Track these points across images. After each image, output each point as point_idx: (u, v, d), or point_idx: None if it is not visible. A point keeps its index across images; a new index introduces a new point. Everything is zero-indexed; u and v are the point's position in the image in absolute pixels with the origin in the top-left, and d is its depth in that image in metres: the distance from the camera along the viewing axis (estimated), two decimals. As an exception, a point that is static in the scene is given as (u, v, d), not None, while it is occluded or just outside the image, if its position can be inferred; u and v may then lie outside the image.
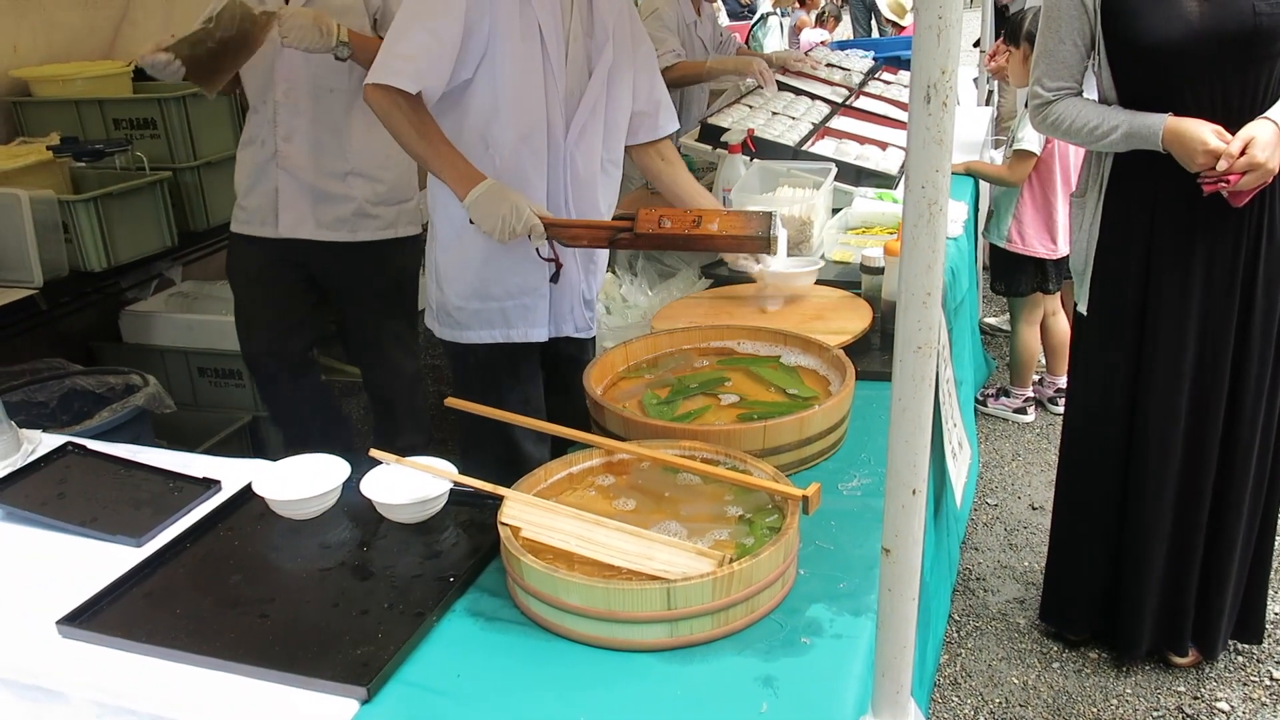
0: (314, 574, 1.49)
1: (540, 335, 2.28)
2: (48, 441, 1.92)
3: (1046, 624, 2.68)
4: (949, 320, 2.59)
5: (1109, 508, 2.49)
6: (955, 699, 2.47)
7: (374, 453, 1.62)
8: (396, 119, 1.98)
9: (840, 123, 3.57)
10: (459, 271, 2.23)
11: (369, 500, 1.58)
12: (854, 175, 3.14)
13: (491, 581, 1.46)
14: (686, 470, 1.57)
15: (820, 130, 3.42)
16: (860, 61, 4.73)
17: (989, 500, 3.29)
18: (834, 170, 2.93)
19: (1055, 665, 2.56)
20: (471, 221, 2.02)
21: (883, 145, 3.34)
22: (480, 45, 2.02)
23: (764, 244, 1.96)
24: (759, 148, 3.12)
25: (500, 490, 1.49)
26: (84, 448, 1.85)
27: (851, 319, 2.20)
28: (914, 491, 1.02)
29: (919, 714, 1.13)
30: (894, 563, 1.05)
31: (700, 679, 1.25)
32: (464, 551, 1.52)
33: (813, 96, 3.79)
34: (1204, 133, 2.13)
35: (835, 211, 2.97)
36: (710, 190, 3.25)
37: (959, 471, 2.30)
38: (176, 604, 1.44)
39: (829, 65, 4.46)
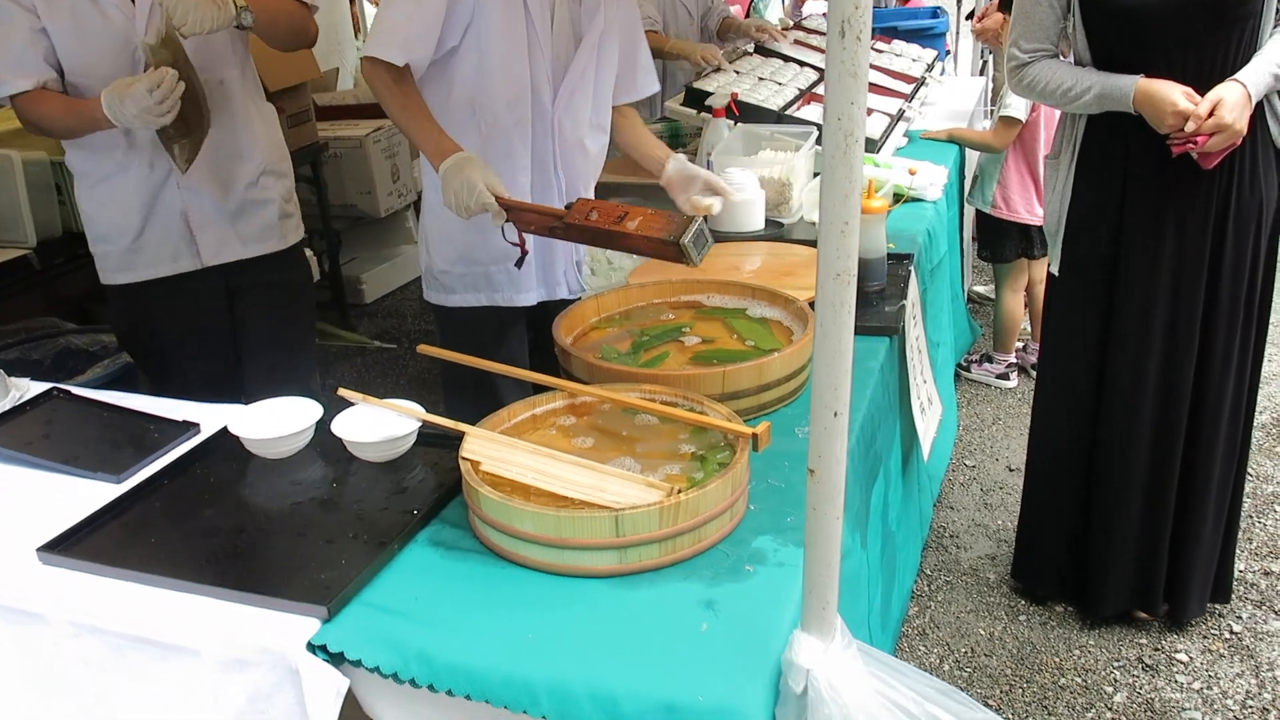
0: (284, 507, 1.55)
1: (528, 299, 2.32)
2: (35, 388, 1.98)
3: (1016, 581, 2.74)
4: (923, 281, 2.63)
5: (1079, 467, 2.54)
6: (922, 648, 2.53)
7: (343, 392, 1.68)
8: (381, 90, 2.02)
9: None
10: (445, 236, 2.27)
11: (340, 440, 1.64)
12: (837, 140, 3.17)
13: (455, 515, 1.51)
14: (644, 411, 1.62)
15: (806, 96, 3.45)
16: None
17: (967, 461, 3.34)
18: (815, 134, 2.97)
19: (1022, 618, 2.62)
20: None
21: (868, 111, 3.37)
22: (466, 13, 2.05)
23: (675, 251, 1.76)
24: (743, 112, 3.15)
25: (462, 426, 1.54)
26: (69, 393, 1.91)
27: (822, 275, 2.24)
28: (835, 414, 1.07)
29: (845, 630, 1.18)
30: (819, 483, 1.10)
31: (646, 602, 1.31)
32: (429, 487, 1.57)
33: (800, 63, 3.81)
34: (1174, 94, 2.16)
35: (817, 175, 3.01)
36: (695, 154, 3.31)
37: (927, 426, 2.35)
38: (152, 534, 1.51)
39: (819, 33, 4.48)
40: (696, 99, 3.24)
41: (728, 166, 2.73)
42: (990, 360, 3.94)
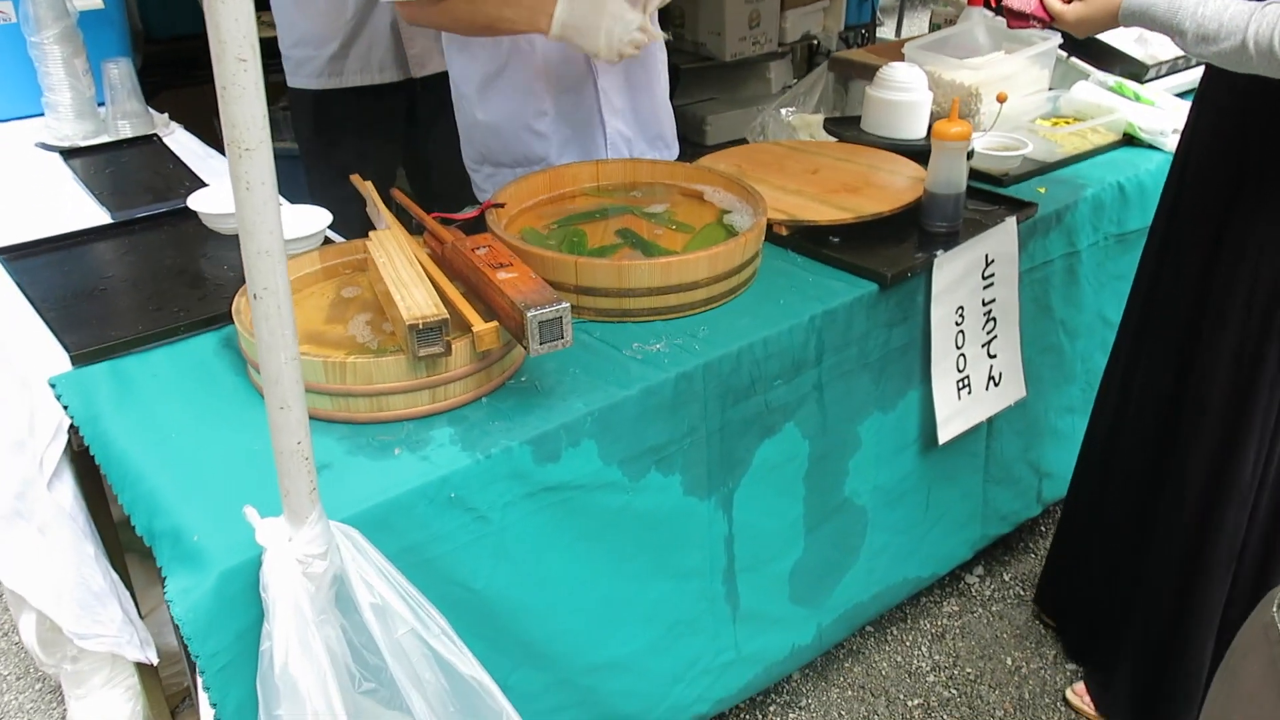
0: (176, 270, 1.75)
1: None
2: (161, 128, 2.35)
3: None
4: (1075, 244, 2.13)
5: None
6: (922, 650, 2.19)
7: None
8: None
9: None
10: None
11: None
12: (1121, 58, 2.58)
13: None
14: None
15: (1124, -3, 2.80)
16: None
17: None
18: (1054, 41, 2.44)
19: (1069, 667, 2.16)
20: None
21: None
22: None
23: (518, 326, 1.34)
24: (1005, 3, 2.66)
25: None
26: (160, 140, 2.25)
27: (881, 200, 1.92)
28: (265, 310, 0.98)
29: (323, 520, 1.11)
30: (265, 379, 1.03)
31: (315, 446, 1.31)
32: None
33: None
34: None
35: (1053, 90, 2.50)
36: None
37: (964, 408, 1.97)
38: (78, 263, 1.78)
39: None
40: (959, -20, 2.79)
41: (935, 66, 2.36)
42: None
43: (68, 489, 1.51)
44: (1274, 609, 0.81)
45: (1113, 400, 2.01)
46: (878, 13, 5.69)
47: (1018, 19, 1.74)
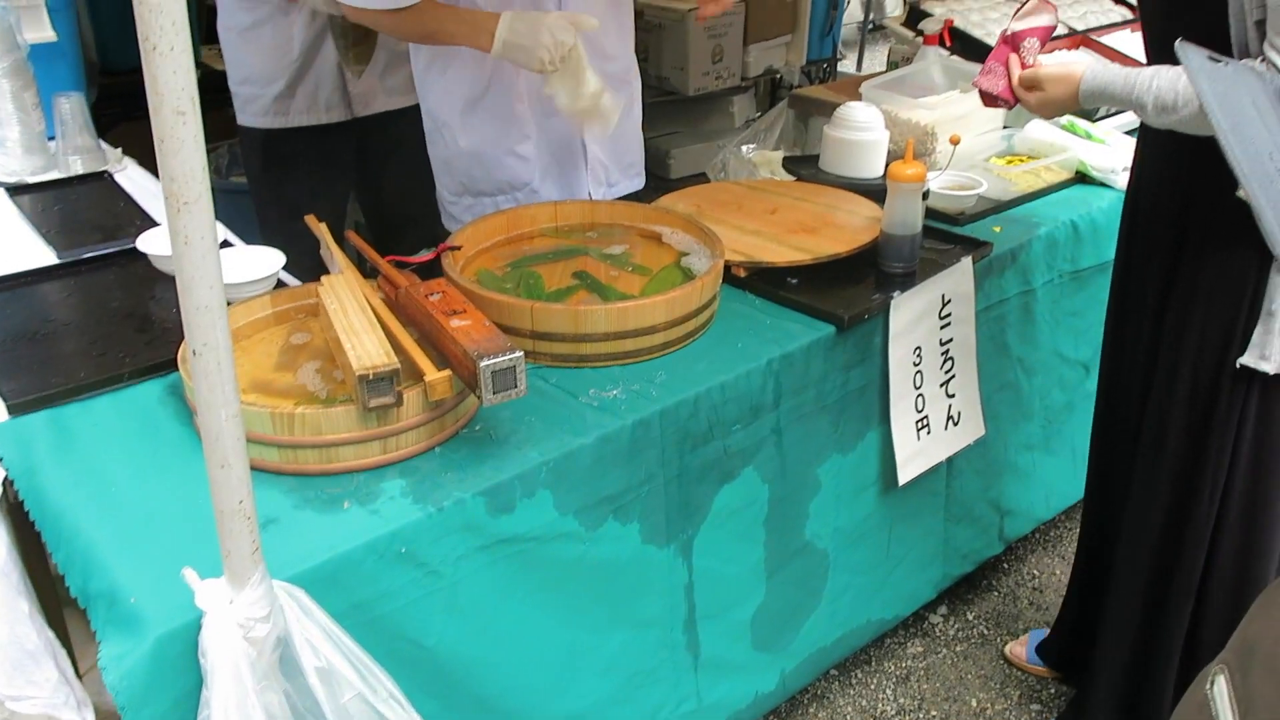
0: (123, 313, 1.70)
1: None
2: (113, 165, 2.30)
3: None
4: (1031, 282, 2.14)
5: None
6: (886, 693, 2.17)
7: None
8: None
9: (1124, 39, 2.93)
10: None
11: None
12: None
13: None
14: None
15: (1078, 38, 2.85)
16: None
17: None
18: (1010, 81, 2.46)
19: (1033, 707, 2.16)
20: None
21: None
22: None
23: (470, 374, 1.31)
24: (959, 43, 2.69)
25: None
26: (112, 177, 2.21)
27: (838, 241, 1.92)
28: (194, 352, 0.96)
29: (265, 584, 1.08)
30: (203, 428, 1.00)
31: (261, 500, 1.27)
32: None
33: (1119, 1, 3.13)
34: None
35: (1007, 129, 2.52)
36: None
37: (922, 448, 1.96)
38: (21, 304, 1.73)
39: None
40: (915, 19, 2.82)
41: (890, 104, 2.37)
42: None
43: (1, 544, 1.45)
44: (1207, 686, 0.80)
45: (1098, 442, 2.01)
46: (839, 47, 5.74)
47: (990, 100, 1.79)
